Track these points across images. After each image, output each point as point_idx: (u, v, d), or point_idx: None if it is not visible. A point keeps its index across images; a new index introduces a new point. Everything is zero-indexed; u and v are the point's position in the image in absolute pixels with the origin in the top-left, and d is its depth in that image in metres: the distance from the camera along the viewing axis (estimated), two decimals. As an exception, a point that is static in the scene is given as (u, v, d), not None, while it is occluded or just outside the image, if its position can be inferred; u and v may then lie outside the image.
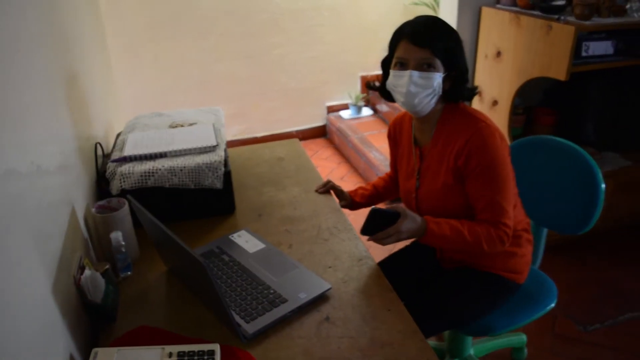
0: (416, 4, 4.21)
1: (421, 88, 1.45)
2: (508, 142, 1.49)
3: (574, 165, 1.75)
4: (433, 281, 1.68)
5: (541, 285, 1.80)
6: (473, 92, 1.55)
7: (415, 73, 1.44)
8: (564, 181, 1.78)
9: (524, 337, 2.17)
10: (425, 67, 1.44)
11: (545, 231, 1.89)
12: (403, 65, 1.47)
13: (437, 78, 1.44)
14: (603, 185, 1.68)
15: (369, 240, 1.45)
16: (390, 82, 1.52)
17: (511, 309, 1.68)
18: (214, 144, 1.70)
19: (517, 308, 1.69)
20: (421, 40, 1.43)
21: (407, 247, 1.85)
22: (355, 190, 1.89)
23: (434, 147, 1.56)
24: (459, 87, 1.50)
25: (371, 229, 1.44)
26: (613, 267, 2.73)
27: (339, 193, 1.85)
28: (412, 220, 1.44)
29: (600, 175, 1.69)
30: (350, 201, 1.86)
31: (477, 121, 1.47)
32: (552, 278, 2.61)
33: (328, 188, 1.86)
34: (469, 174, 1.47)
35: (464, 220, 1.50)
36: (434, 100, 1.48)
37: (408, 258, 1.81)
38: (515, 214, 1.59)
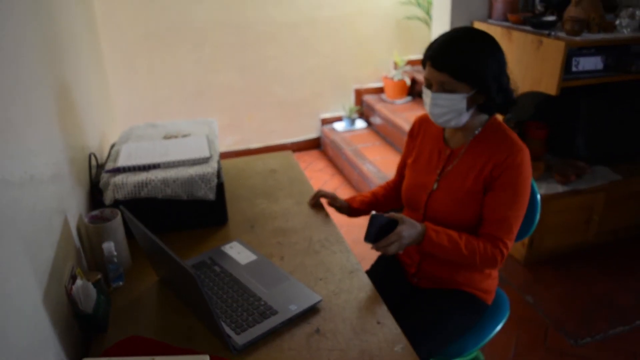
0: (409, 18, 4.25)
1: (444, 108, 1.47)
2: None
3: None
4: (406, 306, 1.63)
5: (495, 297, 1.77)
6: (509, 103, 1.51)
7: (437, 95, 1.46)
8: None
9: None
10: (447, 89, 1.45)
11: None
12: (429, 86, 1.50)
13: (460, 99, 1.44)
14: (538, 196, 1.72)
15: (372, 248, 1.46)
16: (423, 97, 1.56)
17: (474, 327, 1.67)
18: (207, 155, 1.72)
19: (478, 325, 1.67)
20: (439, 64, 1.44)
21: (373, 266, 1.83)
22: (354, 197, 1.88)
23: (468, 152, 1.56)
24: (494, 100, 1.48)
25: (372, 235, 1.44)
26: (605, 281, 2.75)
27: (332, 198, 1.86)
28: (411, 225, 1.46)
29: (535, 186, 1.72)
30: (346, 206, 1.85)
31: (522, 143, 1.50)
32: (544, 291, 2.64)
33: (318, 197, 1.86)
34: (497, 185, 1.49)
35: (463, 233, 1.51)
36: (463, 118, 1.49)
37: (378, 278, 1.63)
38: None
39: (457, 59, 1.42)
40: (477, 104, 1.49)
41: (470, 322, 1.64)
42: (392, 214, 1.47)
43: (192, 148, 1.77)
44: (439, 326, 1.55)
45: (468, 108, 1.47)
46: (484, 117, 1.55)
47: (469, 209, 1.54)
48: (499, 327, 1.68)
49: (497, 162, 1.48)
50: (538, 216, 1.74)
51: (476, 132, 1.56)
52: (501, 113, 1.55)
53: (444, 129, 1.65)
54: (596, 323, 2.45)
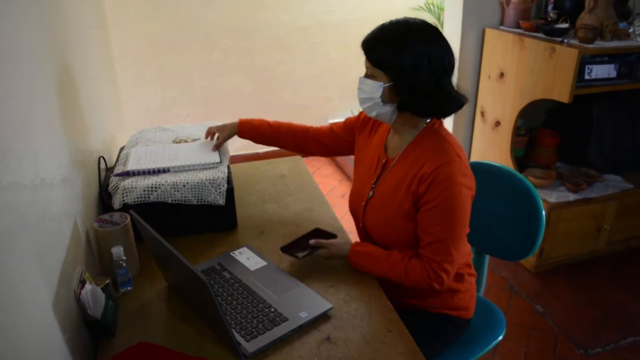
0: (420, 23, 4.23)
1: (364, 94, 1.43)
2: (474, 184, 1.45)
3: (515, 192, 1.70)
4: None
5: (489, 316, 1.74)
6: (437, 109, 1.41)
7: (361, 79, 1.43)
8: (505, 208, 1.73)
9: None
10: (369, 75, 1.42)
11: (487, 258, 1.83)
12: None
13: (377, 87, 1.39)
14: (544, 212, 1.64)
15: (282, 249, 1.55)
16: None
17: (460, 345, 1.62)
18: (217, 160, 1.71)
19: (466, 343, 1.62)
20: (363, 48, 1.41)
21: None
22: (251, 121, 1.85)
23: (400, 162, 1.48)
24: (413, 99, 1.37)
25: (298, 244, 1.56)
26: (616, 290, 2.72)
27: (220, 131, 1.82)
28: (341, 246, 1.50)
29: (541, 203, 1.64)
30: (236, 129, 1.82)
31: (453, 154, 1.39)
32: (555, 300, 2.61)
33: (219, 141, 1.81)
34: (425, 203, 1.39)
35: (393, 253, 1.45)
36: (384, 111, 1.42)
37: None
38: None
39: (375, 43, 1.39)
40: (399, 101, 1.40)
41: (446, 342, 1.59)
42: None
43: (202, 153, 1.76)
44: None
45: (385, 100, 1.40)
46: (423, 120, 1.46)
47: (402, 227, 1.46)
48: (487, 349, 1.62)
49: (424, 174, 1.38)
50: (541, 235, 1.65)
51: (412, 138, 1.47)
52: (436, 117, 1.46)
53: (387, 134, 1.57)
54: (607, 333, 2.42)
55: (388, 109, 1.42)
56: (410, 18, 1.41)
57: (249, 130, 1.83)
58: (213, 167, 1.68)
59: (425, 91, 1.36)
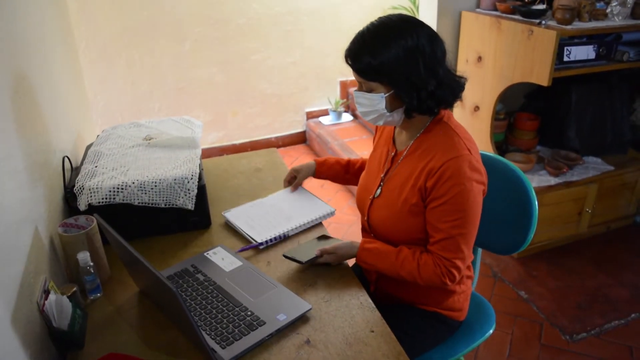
0: (395, 8, 4.18)
1: (366, 107, 1.37)
2: (485, 178, 1.39)
3: (506, 182, 1.64)
4: None
5: (478, 310, 1.69)
6: (441, 101, 1.35)
7: (357, 93, 1.37)
8: (497, 199, 1.65)
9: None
10: (365, 89, 1.35)
11: (479, 251, 1.77)
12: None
13: (379, 99, 1.32)
14: (536, 204, 1.58)
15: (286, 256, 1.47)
16: None
17: (449, 339, 1.58)
18: (332, 210, 1.70)
19: (455, 338, 1.58)
20: (351, 63, 1.34)
21: None
22: (326, 159, 1.83)
23: (409, 156, 1.43)
24: (419, 100, 1.32)
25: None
26: (599, 274, 2.71)
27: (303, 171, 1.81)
28: (349, 247, 1.45)
29: (533, 193, 1.58)
30: (313, 170, 1.81)
31: (463, 148, 1.33)
32: (538, 285, 2.60)
33: (297, 181, 1.81)
34: (434, 199, 1.34)
35: (403, 249, 1.40)
36: (393, 117, 1.36)
37: None
38: None
39: (360, 54, 1.30)
40: (404, 106, 1.34)
41: (437, 341, 1.55)
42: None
43: (310, 206, 1.73)
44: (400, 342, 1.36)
45: (392, 108, 1.34)
46: (424, 117, 1.40)
47: (408, 223, 1.41)
48: (474, 345, 1.58)
49: (432, 169, 1.33)
50: (534, 227, 1.59)
51: (420, 131, 1.42)
52: (444, 108, 1.39)
53: (395, 127, 1.52)
54: (591, 318, 2.41)
55: (395, 116, 1.37)
56: (386, 16, 1.34)
57: (325, 169, 1.81)
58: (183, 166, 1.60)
59: (428, 90, 1.31)
